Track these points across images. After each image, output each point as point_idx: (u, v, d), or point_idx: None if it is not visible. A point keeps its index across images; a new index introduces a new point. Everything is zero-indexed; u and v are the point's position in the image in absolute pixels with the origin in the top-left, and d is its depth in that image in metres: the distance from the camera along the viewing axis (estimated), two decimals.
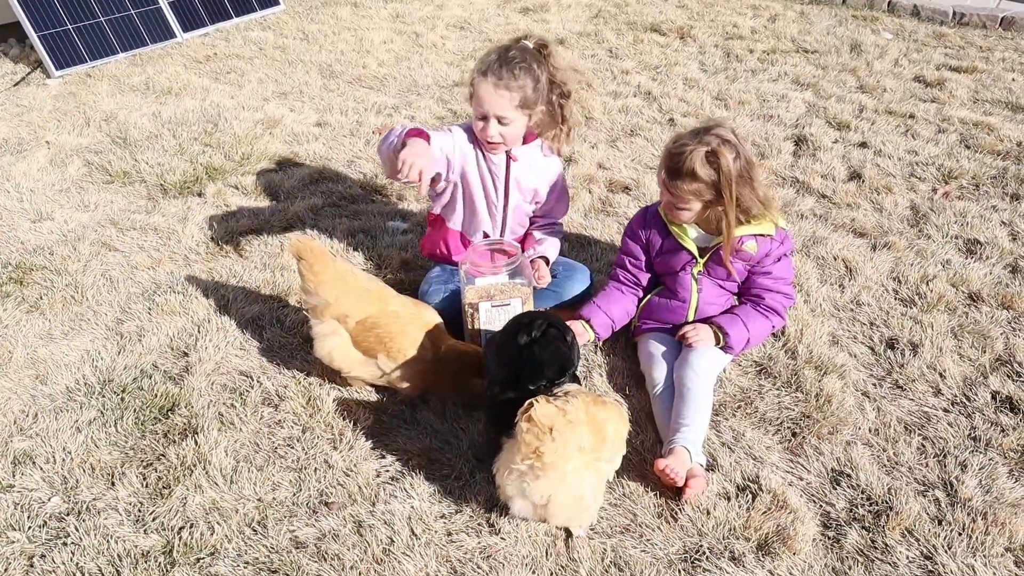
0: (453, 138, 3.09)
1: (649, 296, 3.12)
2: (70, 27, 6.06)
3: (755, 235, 2.88)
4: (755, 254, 2.91)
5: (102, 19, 6.25)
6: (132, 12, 6.43)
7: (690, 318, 3.02)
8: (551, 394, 2.38)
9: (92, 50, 6.11)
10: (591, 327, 3.06)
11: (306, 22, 7.05)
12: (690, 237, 2.95)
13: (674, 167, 2.73)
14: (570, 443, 2.18)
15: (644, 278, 3.14)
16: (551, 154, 3.26)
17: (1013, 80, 5.57)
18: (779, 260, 2.97)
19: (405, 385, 2.82)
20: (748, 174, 2.75)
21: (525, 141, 3.16)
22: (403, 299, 2.92)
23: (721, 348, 2.94)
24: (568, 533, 2.40)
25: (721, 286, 3.01)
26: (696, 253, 2.95)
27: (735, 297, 3.08)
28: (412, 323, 2.83)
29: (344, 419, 2.80)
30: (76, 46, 6.04)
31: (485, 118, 2.98)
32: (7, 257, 3.73)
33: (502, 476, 2.28)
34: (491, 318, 2.93)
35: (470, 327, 2.99)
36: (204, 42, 6.59)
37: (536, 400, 2.17)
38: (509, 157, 3.14)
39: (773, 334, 3.18)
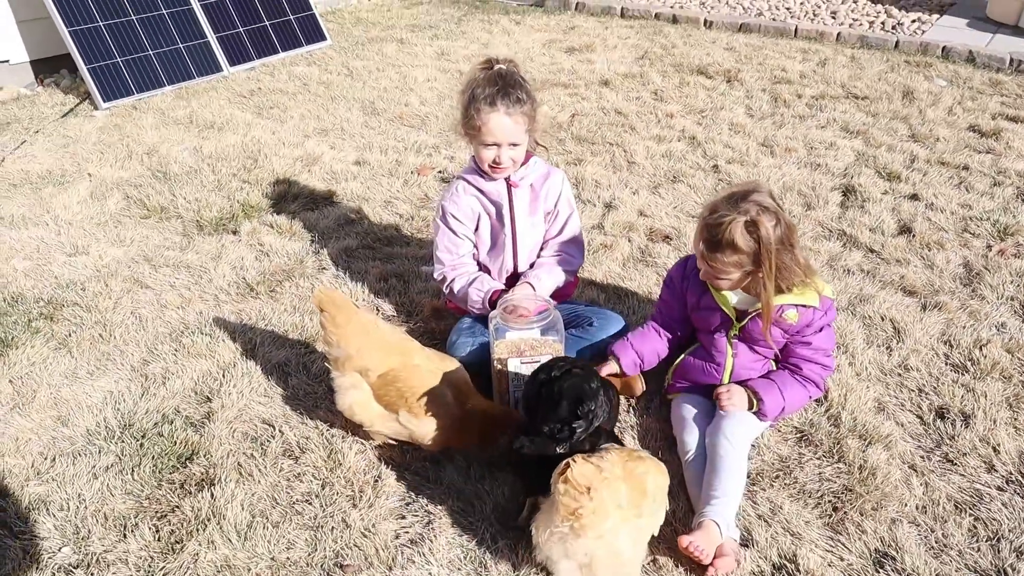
0: (464, 206, 3.16)
1: (684, 355, 3.01)
2: (119, 60, 6.14)
3: (796, 305, 2.75)
4: (795, 324, 2.77)
5: (151, 52, 6.32)
6: (180, 46, 6.50)
7: (725, 381, 2.90)
8: (584, 450, 2.31)
9: (140, 83, 6.18)
10: (618, 361, 2.98)
11: (351, 58, 7.08)
12: (730, 300, 2.83)
13: (713, 239, 2.60)
14: (607, 501, 2.11)
15: (679, 328, 3.04)
16: (549, 167, 3.26)
17: None
18: (820, 330, 2.82)
19: (427, 442, 2.73)
20: (789, 240, 2.62)
21: (522, 163, 3.16)
22: (427, 352, 2.84)
23: (755, 413, 2.81)
24: None
25: (757, 351, 2.88)
26: (734, 316, 2.82)
27: (772, 363, 2.95)
28: (435, 377, 2.74)
29: (365, 475, 2.72)
30: (124, 78, 6.11)
31: (498, 146, 3.00)
32: (39, 292, 3.72)
33: (542, 538, 2.20)
34: (521, 373, 2.83)
35: (498, 383, 2.89)
36: (249, 76, 6.64)
37: (573, 460, 2.11)
38: (509, 185, 3.13)
39: (815, 399, 3.04)
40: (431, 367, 2.77)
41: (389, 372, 2.72)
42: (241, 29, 6.92)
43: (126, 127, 5.61)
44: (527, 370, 2.80)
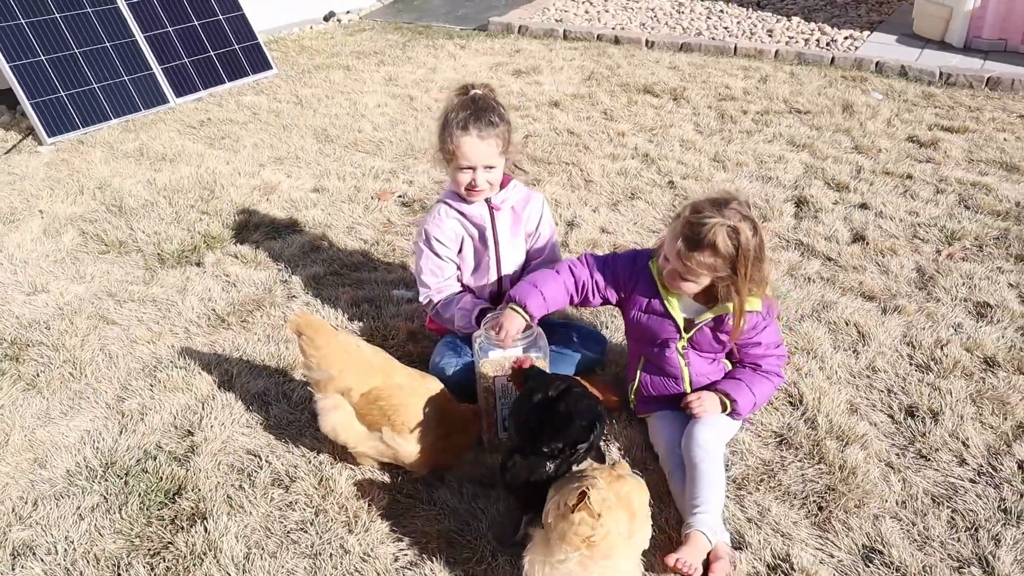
0: (448, 229, 3.19)
1: (638, 375, 3.02)
2: (63, 94, 6.03)
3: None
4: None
5: (95, 85, 6.23)
6: (125, 78, 6.41)
7: (688, 391, 2.95)
8: (568, 467, 2.35)
9: (85, 116, 6.08)
10: (524, 308, 2.85)
11: (299, 86, 7.06)
12: (678, 307, 2.86)
13: (695, 238, 2.62)
14: (612, 527, 2.11)
15: (590, 297, 2.97)
16: (529, 190, 3.32)
17: (1005, 140, 5.62)
18: (765, 328, 2.88)
19: (413, 460, 2.73)
20: (760, 252, 2.69)
21: (501, 186, 3.19)
22: (408, 371, 2.86)
23: (728, 414, 2.88)
24: None
25: (706, 355, 2.93)
26: (683, 325, 2.86)
27: (725, 360, 3.01)
28: (417, 395, 2.76)
29: (358, 500, 2.72)
30: (69, 112, 6.01)
31: (472, 169, 3.04)
32: (1, 333, 3.63)
33: (539, 572, 2.17)
34: (507, 391, 2.86)
35: (485, 402, 2.92)
36: (197, 107, 6.58)
37: (588, 488, 2.09)
38: (491, 207, 3.18)
39: (790, 403, 3.13)
40: (413, 385, 2.79)
41: (372, 391, 2.73)
42: (187, 60, 6.85)
43: (74, 162, 5.51)
44: (513, 387, 2.83)
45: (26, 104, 5.83)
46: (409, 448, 2.71)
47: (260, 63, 7.35)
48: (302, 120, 6.25)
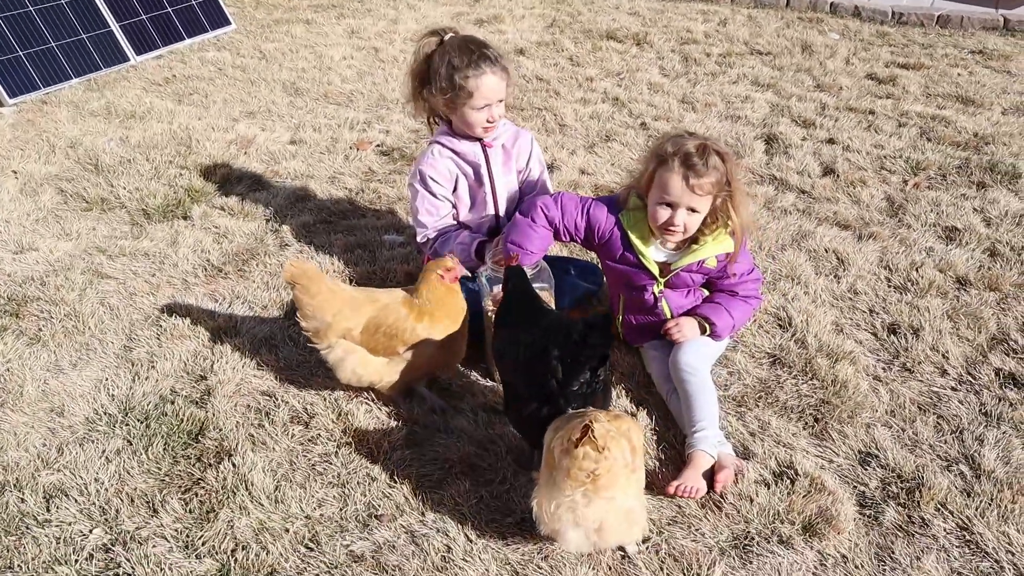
0: (442, 168, 3.27)
1: (621, 317, 3.14)
2: (20, 53, 5.90)
3: (716, 254, 2.93)
4: (715, 268, 2.95)
5: (53, 44, 6.10)
6: (84, 36, 6.29)
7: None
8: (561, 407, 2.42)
9: (45, 76, 5.96)
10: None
11: (261, 41, 6.99)
12: (651, 258, 2.95)
13: (699, 162, 2.71)
14: (618, 460, 2.16)
15: (564, 236, 3.06)
16: (518, 128, 3.42)
17: (959, 75, 5.82)
18: (737, 260, 2.98)
19: (452, 355, 2.90)
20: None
21: None
22: (385, 290, 2.97)
23: (708, 336, 2.98)
24: (624, 553, 2.41)
25: (683, 291, 3.04)
26: (657, 272, 2.95)
27: (703, 290, 3.11)
28: (407, 306, 2.85)
29: (378, 432, 2.81)
30: (28, 72, 5.89)
31: (488, 105, 3.14)
32: None
33: (548, 511, 2.22)
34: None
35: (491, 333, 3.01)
36: (160, 64, 6.49)
37: (592, 421, 2.12)
38: (484, 145, 3.27)
39: (780, 326, 3.29)
40: (397, 298, 2.88)
41: (369, 322, 2.82)
42: (144, 16, 6.73)
43: (40, 122, 5.42)
44: None
45: None
46: (431, 351, 2.82)
47: (218, 19, 7.25)
48: (269, 74, 6.22)
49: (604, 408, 2.54)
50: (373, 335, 2.81)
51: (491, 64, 3.07)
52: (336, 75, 6.17)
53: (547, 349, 2.44)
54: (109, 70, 6.33)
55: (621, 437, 2.20)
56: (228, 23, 7.30)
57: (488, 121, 3.16)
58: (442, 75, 3.08)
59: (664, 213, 2.82)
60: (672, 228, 2.83)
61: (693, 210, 2.80)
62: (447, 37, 3.15)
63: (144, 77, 6.21)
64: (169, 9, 6.95)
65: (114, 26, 6.52)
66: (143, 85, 6.05)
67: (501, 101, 3.17)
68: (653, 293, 3.00)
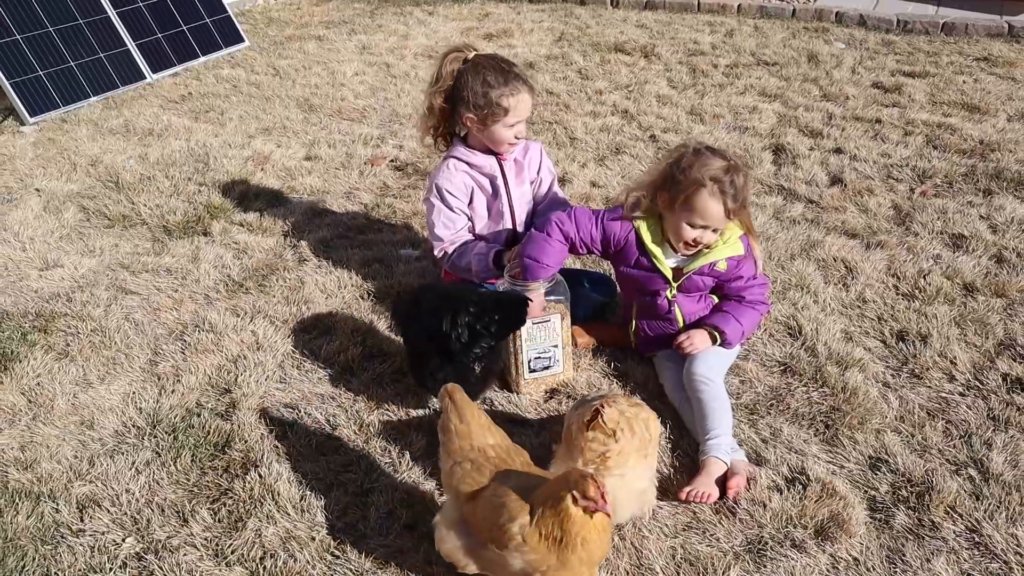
0: (458, 182, 3.34)
1: (634, 323, 3.22)
2: (41, 73, 6.03)
3: (727, 257, 3.02)
4: (725, 271, 3.04)
5: (72, 64, 6.23)
6: (101, 55, 6.42)
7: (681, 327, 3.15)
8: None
9: (65, 95, 6.09)
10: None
11: (274, 58, 7.10)
12: (666, 263, 3.03)
13: (735, 190, 2.85)
14: (629, 443, 2.30)
15: (580, 251, 3.14)
16: (527, 140, 3.47)
17: (964, 83, 5.89)
18: (745, 263, 3.07)
19: None
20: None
21: None
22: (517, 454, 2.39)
23: (720, 345, 3.06)
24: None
25: (695, 296, 3.12)
26: (671, 276, 3.04)
27: (713, 296, 3.19)
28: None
29: (398, 442, 2.88)
30: (48, 91, 6.01)
31: (519, 122, 3.25)
32: (24, 307, 3.72)
33: None
34: (532, 335, 3.03)
35: (511, 345, 3.09)
36: (176, 82, 6.61)
37: (603, 405, 2.28)
38: (499, 158, 3.36)
39: (790, 334, 3.36)
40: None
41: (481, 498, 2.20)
42: (160, 35, 6.86)
43: (61, 140, 5.54)
44: (538, 331, 3.02)
45: (5, 84, 5.82)
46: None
47: (232, 36, 7.37)
48: (283, 91, 6.32)
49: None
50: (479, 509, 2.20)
51: (522, 83, 3.18)
52: (349, 91, 6.27)
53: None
54: (126, 88, 6.45)
55: (636, 422, 2.34)
56: (241, 40, 7.42)
57: (516, 137, 3.26)
58: (478, 93, 3.16)
59: (694, 232, 2.93)
60: (698, 244, 2.95)
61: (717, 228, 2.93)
62: (471, 55, 3.24)
63: (161, 95, 6.32)
64: (184, 27, 7.07)
65: (130, 45, 6.64)
66: (160, 103, 6.16)
67: (528, 119, 3.27)
68: (666, 297, 3.08)
